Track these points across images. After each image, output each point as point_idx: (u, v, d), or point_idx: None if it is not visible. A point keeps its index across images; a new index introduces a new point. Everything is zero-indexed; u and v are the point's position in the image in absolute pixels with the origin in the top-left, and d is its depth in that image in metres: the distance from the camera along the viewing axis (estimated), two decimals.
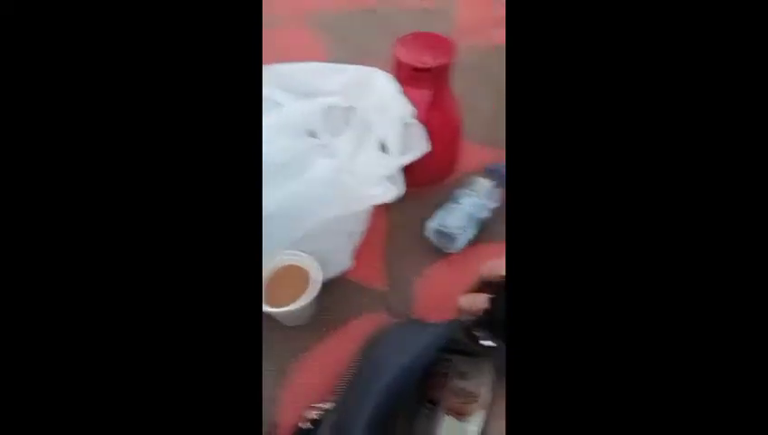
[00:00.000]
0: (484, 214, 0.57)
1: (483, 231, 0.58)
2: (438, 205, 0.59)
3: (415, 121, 0.53)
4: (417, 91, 0.56)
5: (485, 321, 0.36)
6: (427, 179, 0.65)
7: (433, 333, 0.35)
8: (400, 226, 0.60)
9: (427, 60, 0.55)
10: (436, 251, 0.57)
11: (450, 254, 0.56)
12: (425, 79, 0.56)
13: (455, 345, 0.36)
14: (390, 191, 0.49)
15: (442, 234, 0.55)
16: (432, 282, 0.55)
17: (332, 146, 0.52)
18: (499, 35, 0.89)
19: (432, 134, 0.56)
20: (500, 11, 0.95)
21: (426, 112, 0.56)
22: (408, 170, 0.53)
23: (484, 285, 0.40)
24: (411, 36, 0.58)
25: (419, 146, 0.52)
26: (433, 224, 0.56)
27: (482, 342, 0.33)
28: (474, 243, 0.57)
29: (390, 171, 0.50)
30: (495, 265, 0.40)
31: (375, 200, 0.49)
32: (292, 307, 0.45)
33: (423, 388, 0.39)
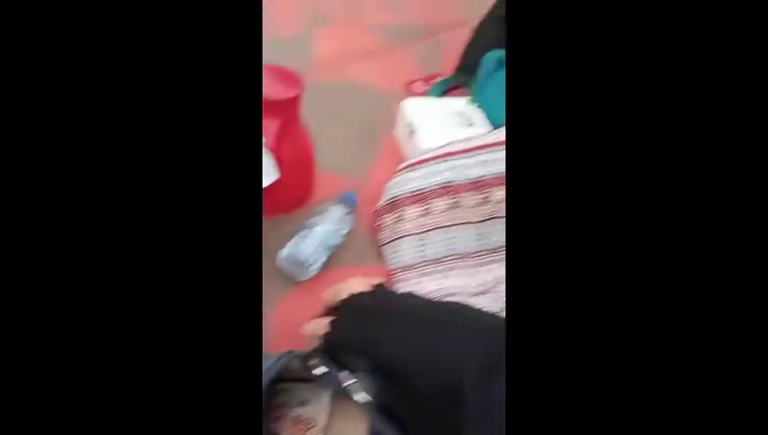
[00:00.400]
0: (337, 240, 0.60)
1: (335, 257, 0.61)
2: (291, 234, 0.59)
3: (265, 149, 0.53)
4: (267, 121, 0.57)
5: (323, 346, 0.37)
6: (281, 209, 0.65)
7: (272, 366, 0.35)
8: None
9: (276, 92, 0.56)
10: (289, 280, 0.57)
11: (302, 282, 0.57)
12: (274, 110, 0.57)
13: (291, 374, 0.36)
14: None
15: (294, 262, 0.56)
16: (283, 312, 0.55)
17: None
18: (353, 70, 0.95)
19: (283, 164, 0.57)
20: (355, 45, 1.02)
21: (275, 142, 0.57)
22: (265, 197, 0.53)
23: (328, 311, 0.42)
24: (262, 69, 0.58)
25: (270, 173, 0.53)
26: (284, 252, 0.56)
27: (314, 371, 0.35)
28: (326, 269, 0.59)
29: None
30: (338, 288, 0.42)
31: None
32: None
33: (265, 421, 0.38)
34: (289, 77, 0.59)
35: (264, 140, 0.53)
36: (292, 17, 1.01)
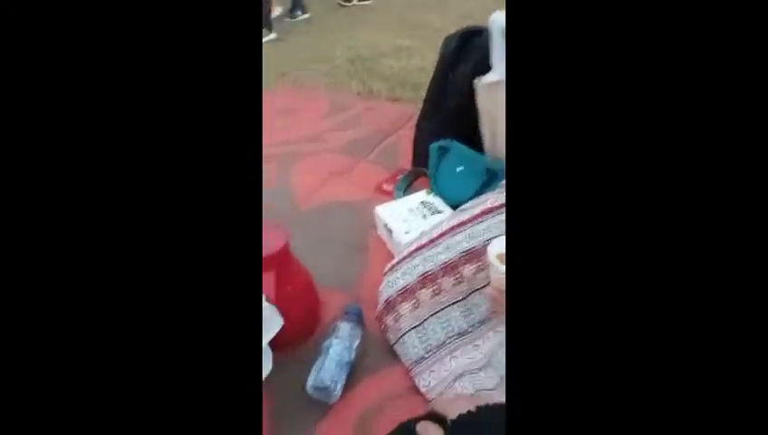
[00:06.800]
0: (351, 355, 0.64)
1: (356, 369, 0.64)
2: (312, 360, 0.64)
3: (266, 304, 0.60)
4: (264, 274, 0.64)
5: None
6: (299, 337, 0.70)
7: None
8: (284, 390, 0.63)
9: (267, 248, 0.64)
10: (321, 404, 0.61)
11: (333, 404, 0.61)
12: (267, 264, 0.64)
13: None
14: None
15: (318, 389, 0.60)
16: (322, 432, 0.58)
17: None
18: (329, 191, 1.06)
19: (289, 304, 0.63)
20: (325, 170, 1.14)
21: (276, 291, 0.64)
22: (279, 337, 0.58)
23: (434, 418, 0.43)
24: None
25: (274, 324, 0.59)
26: (309, 381, 0.61)
27: None
28: (349, 385, 0.63)
29: None
30: (445, 405, 0.42)
31: None
32: None
33: None
34: (274, 230, 0.68)
35: (263, 296, 0.60)
36: (269, 164, 1.15)
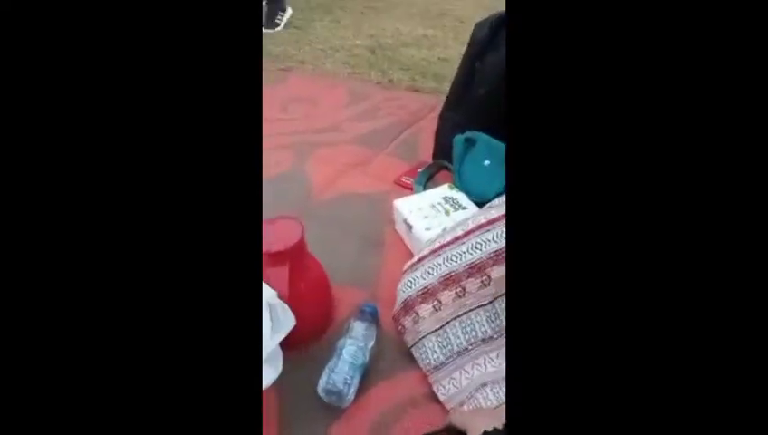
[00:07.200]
0: (365, 357, 0.60)
1: (369, 371, 0.60)
2: (325, 360, 0.60)
3: (278, 301, 0.56)
4: (277, 269, 0.61)
5: None
6: (311, 336, 0.67)
7: None
8: (294, 392, 0.60)
9: (281, 242, 0.61)
10: (333, 408, 0.57)
11: (346, 408, 0.57)
12: (281, 259, 0.61)
13: None
14: (269, 375, 0.50)
15: (330, 393, 0.56)
16: None
17: None
18: (346, 183, 1.02)
19: (301, 301, 0.60)
20: (342, 161, 1.10)
21: (289, 286, 0.60)
22: (290, 336, 0.55)
23: (453, 433, 0.39)
24: (263, 225, 0.64)
25: (287, 323, 0.55)
26: (320, 384, 0.57)
27: None
28: (363, 389, 0.59)
29: (265, 355, 0.51)
30: (465, 420, 0.39)
31: None
32: None
33: None
34: (288, 223, 0.64)
35: (275, 292, 0.56)
36: (285, 152, 1.12)
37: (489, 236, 0.58)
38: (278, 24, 1.99)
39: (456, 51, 1.59)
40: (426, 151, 1.06)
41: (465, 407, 0.53)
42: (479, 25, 0.90)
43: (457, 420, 0.39)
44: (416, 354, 0.60)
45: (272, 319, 0.55)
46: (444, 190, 0.84)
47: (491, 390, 0.54)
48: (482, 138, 0.85)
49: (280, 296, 0.57)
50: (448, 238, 0.62)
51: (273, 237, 0.61)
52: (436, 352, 0.58)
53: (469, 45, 0.92)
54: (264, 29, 1.95)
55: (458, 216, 0.76)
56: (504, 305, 0.57)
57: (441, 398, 0.56)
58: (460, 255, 0.59)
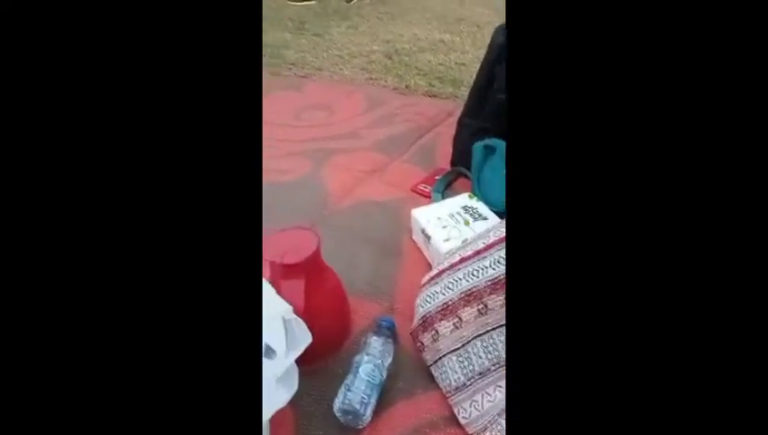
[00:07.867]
0: (383, 375, 0.58)
1: (387, 390, 0.58)
2: (341, 374, 0.58)
3: (293, 317, 0.54)
4: (292, 282, 0.59)
5: None
6: (327, 350, 0.65)
7: None
8: (309, 409, 0.58)
9: (293, 256, 0.59)
10: (350, 428, 0.55)
11: (362, 429, 0.55)
12: (296, 271, 0.59)
13: None
14: (284, 394, 0.48)
15: (346, 413, 0.54)
16: None
17: None
18: (363, 190, 1.00)
19: (317, 315, 0.58)
20: (359, 168, 1.08)
21: (305, 299, 0.58)
22: (308, 349, 0.53)
23: None
24: (277, 235, 0.62)
25: (303, 339, 0.53)
26: (337, 403, 0.55)
27: None
28: (381, 408, 0.56)
29: (280, 373, 0.50)
30: None
31: (271, 410, 0.47)
32: None
33: None
34: (304, 233, 0.62)
35: (291, 307, 0.54)
36: (302, 159, 1.10)
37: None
38: None
39: (473, 56, 1.57)
40: (443, 158, 1.03)
41: (488, 433, 0.50)
42: (499, 29, 0.87)
43: None
44: (435, 374, 0.58)
45: (287, 335, 0.53)
46: (463, 199, 0.81)
47: None
48: (502, 145, 0.81)
49: (295, 311, 0.55)
50: (469, 252, 0.59)
51: (288, 248, 0.60)
52: (456, 372, 0.55)
53: (488, 50, 0.89)
54: None
55: (478, 226, 0.73)
56: None
57: (462, 421, 0.53)
58: (482, 269, 0.56)
